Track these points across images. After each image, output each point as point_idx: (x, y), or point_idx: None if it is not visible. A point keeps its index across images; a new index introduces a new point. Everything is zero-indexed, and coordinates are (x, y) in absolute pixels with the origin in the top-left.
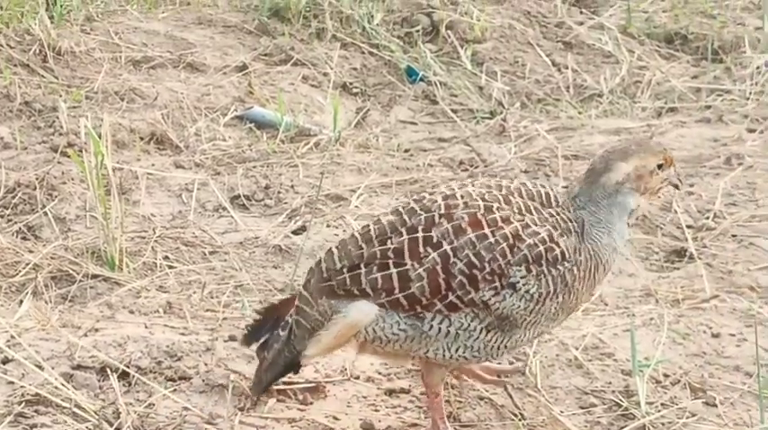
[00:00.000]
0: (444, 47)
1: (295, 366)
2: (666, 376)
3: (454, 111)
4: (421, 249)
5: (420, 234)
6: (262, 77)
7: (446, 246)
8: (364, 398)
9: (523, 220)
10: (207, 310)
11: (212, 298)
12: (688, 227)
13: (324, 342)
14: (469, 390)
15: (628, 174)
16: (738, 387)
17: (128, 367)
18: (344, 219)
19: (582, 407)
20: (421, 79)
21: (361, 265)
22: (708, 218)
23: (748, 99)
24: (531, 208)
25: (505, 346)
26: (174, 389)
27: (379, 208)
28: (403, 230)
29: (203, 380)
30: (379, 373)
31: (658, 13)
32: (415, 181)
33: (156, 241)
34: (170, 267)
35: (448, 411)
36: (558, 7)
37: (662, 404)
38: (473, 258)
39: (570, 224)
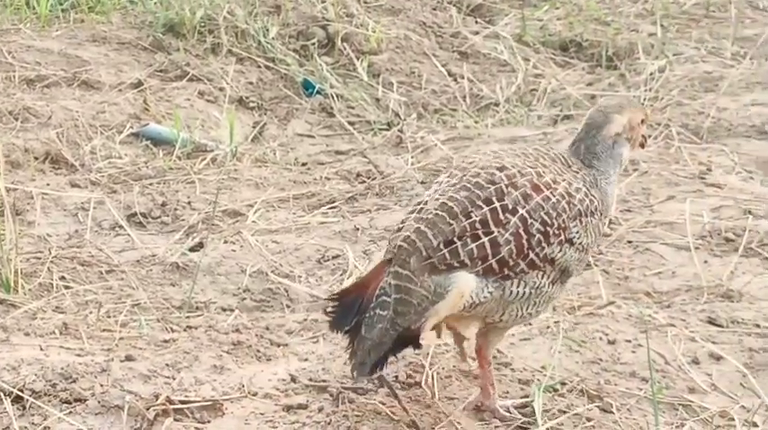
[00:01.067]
0: (340, 59)
1: (410, 341)
2: (563, 384)
3: (351, 124)
4: (501, 217)
5: (497, 204)
6: (157, 94)
7: (522, 211)
8: (262, 414)
9: (565, 180)
10: (103, 330)
11: (109, 317)
12: None
13: (441, 313)
14: (367, 404)
15: (624, 125)
16: (634, 392)
17: (22, 391)
18: (241, 235)
19: (481, 420)
20: (318, 92)
21: (455, 239)
22: None
23: (642, 105)
24: (562, 169)
25: (556, 296)
26: (70, 412)
27: (276, 223)
28: (480, 203)
29: (99, 402)
30: (277, 390)
31: (553, 21)
32: (312, 194)
33: (52, 261)
34: (66, 287)
35: (346, 425)
36: (453, 17)
37: (559, 411)
38: (545, 217)
39: (590, 178)
